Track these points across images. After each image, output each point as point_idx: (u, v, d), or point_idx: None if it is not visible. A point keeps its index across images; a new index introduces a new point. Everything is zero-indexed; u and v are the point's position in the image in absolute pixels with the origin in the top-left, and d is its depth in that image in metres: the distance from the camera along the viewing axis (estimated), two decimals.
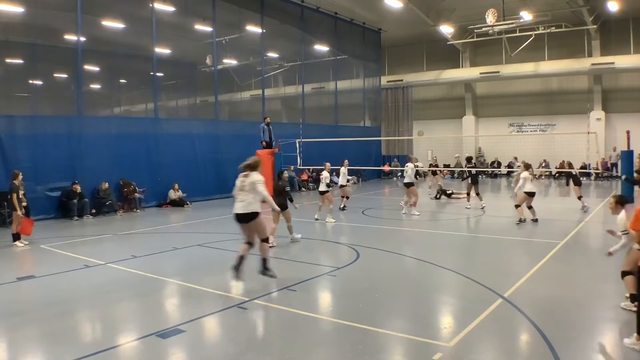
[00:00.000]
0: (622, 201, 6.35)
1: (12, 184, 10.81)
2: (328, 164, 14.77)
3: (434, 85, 32.22)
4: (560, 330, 5.39)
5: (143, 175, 16.90)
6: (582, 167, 24.58)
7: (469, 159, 16.53)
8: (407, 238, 11.81)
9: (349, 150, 25.33)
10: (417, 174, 18.23)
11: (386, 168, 29.19)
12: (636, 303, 5.28)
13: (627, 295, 6.01)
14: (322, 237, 11.69)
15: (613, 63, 25.25)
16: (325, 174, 14.15)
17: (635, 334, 4.91)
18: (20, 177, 11.02)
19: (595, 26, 25.01)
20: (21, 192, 10.86)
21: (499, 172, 29.19)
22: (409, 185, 14.49)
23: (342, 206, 15.76)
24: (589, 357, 4.94)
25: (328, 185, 14.05)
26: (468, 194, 15.73)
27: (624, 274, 5.92)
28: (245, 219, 7.23)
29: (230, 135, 20.67)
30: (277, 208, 8.60)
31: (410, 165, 14.72)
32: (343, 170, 15.72)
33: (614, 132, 26.63)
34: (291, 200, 10.27)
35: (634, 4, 23.74)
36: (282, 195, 10.01)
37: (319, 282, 7.65)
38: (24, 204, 10.98)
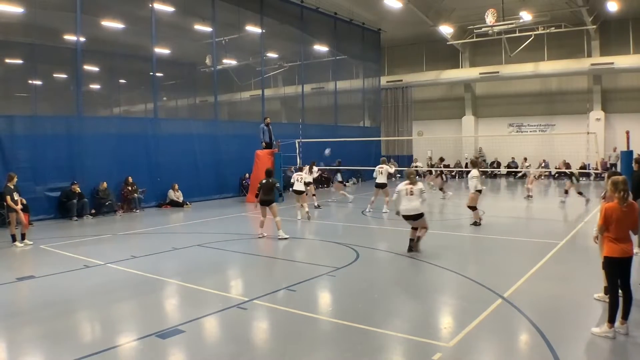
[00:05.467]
0: None
1: (6, 187, 10.80)
2: (385, 159, 16.58)
3: (433, 86, 32.21)
4: (560, 330, 5.40)
5: (143, 175, 16.88)
6: (581, 167, 24.62)
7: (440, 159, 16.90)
8: (407, 238, 11.78)
9: (349, 151, 25.36)
10: (417, 174, 19.09)
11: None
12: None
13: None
14: (322, 237, 11.68)
15: (612, 63, 25.24)
16: (385, 168, 15.23)
17: (606, 323, 5.18)
18: (15, 179, 10.97)
19: (594, 26, 25.01)
20: (16, 195, 10.82)
21: (499, 172, 29.21)
22: (382, 185, 14.97)
23: (315, 204, 16.51)
24: (589, 357, 4.95)
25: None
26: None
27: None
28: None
29: (229, 136, 20.67)
30: None
31: (385, 167, 15.22)
32: (315, 169, 16.94)
33: (614, 132, 26.63)
34: (280, 195, 11.15)
35: (634, 4, 23.76)
36: (271, 192, 11.01)
37: (319, 282, 7.65)
38: (20, 206, 10.91)
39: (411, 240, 9.15)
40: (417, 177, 16.97)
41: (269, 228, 11.45)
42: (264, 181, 11.01)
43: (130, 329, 5.85)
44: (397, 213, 9.23)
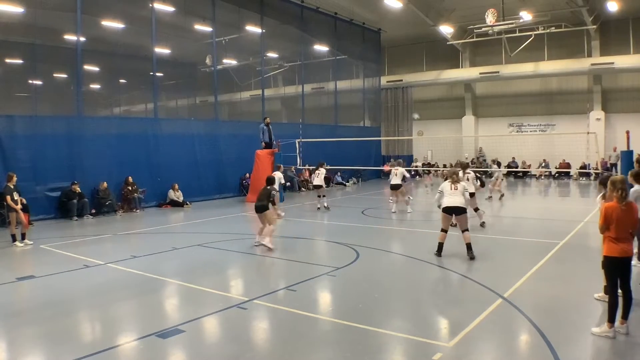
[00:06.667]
0: None
1: (6, 187, 10.80)
2: (401, 161, 15.94)
3: (433, 86, 32.22)
4: (560, 330, 5.40)
5: (143, 175, 16.88)
6: (581, 167, 24.63)
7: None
8: (407, 238, 11.81)
9: (349, 151, 25.37)
10: (418, 174, 19.26)
11: (386, 168, 29.14)
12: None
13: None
14: (322, 237, 11.69)
15: (613, 63, 25.25)
16: (400, 170, 14.75)
17: (606, 322, 5.19)
18: (15, 179, 10.95)
19: (594, 26, 25.00)
20: (16, 195, 10.81)
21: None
22: (397, 187, 14.71)
23: (325, 205, 16.02)
24: (589, 357, 4.95)
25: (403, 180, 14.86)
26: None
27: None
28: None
29: (229, 136, 20.68)
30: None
31: (400, 168, 14.87)
32: (322, 170, 16.20)
33: (614, 132, 26.63)
34: (273, 204, 10.30)
35: (634, 4, 23.75)
36: (265, 198, 10.19)
37: (319, 282, 7.65)
38: (20, 206, 10.88)
39: (440, 244, 9.06)
40: (419, 176, 17.04)
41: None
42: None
43: (130, 329, 5.85)
44: (439, 207, 9.31)
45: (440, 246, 9.06)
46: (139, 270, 8.32)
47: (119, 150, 16.41)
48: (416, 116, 32.29)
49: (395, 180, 14.78)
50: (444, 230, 9.09)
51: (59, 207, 14.76)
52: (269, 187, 10.44)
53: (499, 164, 22.75)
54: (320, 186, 16.05)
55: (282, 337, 5.51)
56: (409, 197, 15.42)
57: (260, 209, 10.10)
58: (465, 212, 9.09)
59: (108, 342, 5.34)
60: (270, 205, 10.15)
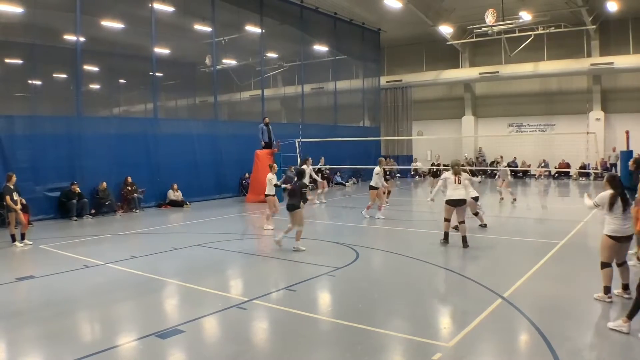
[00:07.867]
0: None
1: (5, 187, 10.79)
2: (382, 159, 15.21)
3: (433, 86, 32.20)
4: (559, 330, 5.40)
5: (142, 176, 16.88)
6: (581, 167, 24.63)
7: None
8: (406, 238, 11.80)
9: (348, 150, 25.37)
10: (417, 174, 18.91)
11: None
12: (613, 293, 6.26)
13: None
14: (322, 237, 11.68)
15: (612, 63, 25.25)
16: (377, 169, 14.13)
17: (623, 317, 5.26)
18: (14, 179, 10.95)
19: (594, 26, 25.01)
20: (15, 195, 10.80)
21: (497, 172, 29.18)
22: (371, 188, 14.03)
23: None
24: (588, 357, 4.95)
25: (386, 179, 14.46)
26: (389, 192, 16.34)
27: (603, 265, 6.33)
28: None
29: (229, 136, 20.67)
30: None
31: (376, 168, 14.20)
32: (305, 168, 14.90)
33: (613, 132, 26.63)
34: (304, 202, 9.72)
35: (633, 4, 23.75)
36: (295, 196, 9.67)
37: (319, 282, 7.65)
38: (19, 206, 10.85)
39: (446, 233, 9.47)
40: (419, 177, 16.77)
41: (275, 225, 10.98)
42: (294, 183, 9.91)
43: (130, 329, 5.85)
44: (432, 200, 10.21)
45: (446, 235, 9.48)
46: (138, 271, 8.32)
47: (119, 150, 16.41)
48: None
49: (372, 181, 14.01)
50: (447, 220, 9.58)
51: (59, 207, 14.75)
52: (298, 184, 9.71)
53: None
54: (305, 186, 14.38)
55: (282, 337, 5.51)
56: (372, 204, 14.28)
57: (292, 207, 9.64)
58: (465, 203, 9.75)
59: (108, 342, 5.33)
60: (301, 203, 9.62)
